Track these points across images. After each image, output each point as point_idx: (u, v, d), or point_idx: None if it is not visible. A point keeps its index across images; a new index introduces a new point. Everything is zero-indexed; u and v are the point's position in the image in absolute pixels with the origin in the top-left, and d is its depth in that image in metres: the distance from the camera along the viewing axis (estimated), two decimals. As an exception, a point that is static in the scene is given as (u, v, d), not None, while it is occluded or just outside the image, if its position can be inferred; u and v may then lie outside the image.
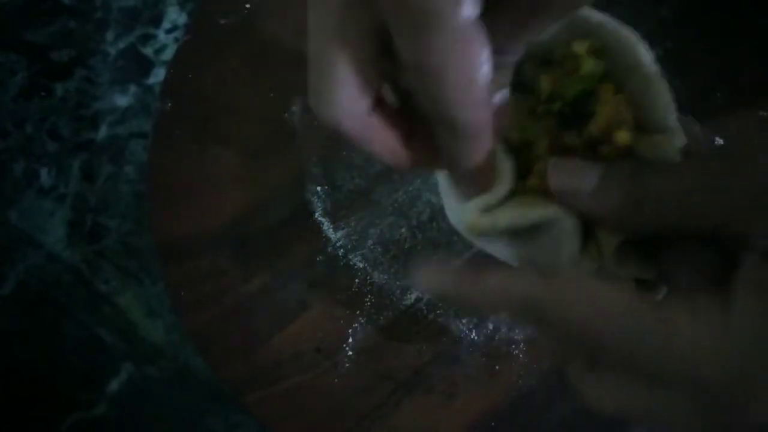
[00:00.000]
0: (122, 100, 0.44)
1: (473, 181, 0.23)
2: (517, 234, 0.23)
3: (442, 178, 0.27)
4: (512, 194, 0.23)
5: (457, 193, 0.25)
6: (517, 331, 0.34)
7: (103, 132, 0.44)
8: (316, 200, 0.37)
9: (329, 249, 0.36)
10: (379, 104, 0.20)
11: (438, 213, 0.36)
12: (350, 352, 0.35)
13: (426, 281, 0.22)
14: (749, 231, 0.19)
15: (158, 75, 0.44)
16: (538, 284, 0.20)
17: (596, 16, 0.23)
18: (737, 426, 0.19)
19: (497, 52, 0.18)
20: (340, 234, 0.36)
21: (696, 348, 0.18)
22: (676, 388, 0.19)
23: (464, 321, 0.35)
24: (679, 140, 0.21)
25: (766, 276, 0.18)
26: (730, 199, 0.19)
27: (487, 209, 0.23)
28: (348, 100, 0.19)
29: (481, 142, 0.19)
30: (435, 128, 0.19)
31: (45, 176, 0.44)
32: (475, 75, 0.17)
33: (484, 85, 0.18)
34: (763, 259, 0.18)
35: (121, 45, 0.45)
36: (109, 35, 0.45)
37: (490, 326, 0.34)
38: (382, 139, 0.20)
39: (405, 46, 0.17)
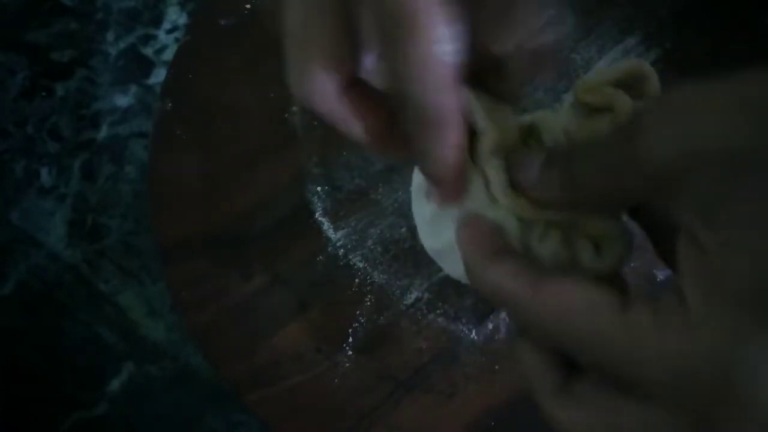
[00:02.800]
0: (123, 100, 0.44)
1: (448, 188, 0.22)
2: None
3: (414, 195, 0.26)
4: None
5: (432, 199, 0.24)
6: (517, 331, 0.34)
7: (103, 132, 0.44)
8: (316, 200, 0.37)
9: (329, 249, 0.36)
10: (359, 85, 0.20)
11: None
12: (350, 352, 0.35)
13: (465, 240, 0.21)
14: (672, 209, 0.17)
15: (158, 75, 0.44)
16: (526, 288, 0.19)
17: None
18: None
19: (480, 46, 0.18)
20: (340, 234, 0.36)
21: (664, 351, 0.16)
22: (654, 400, 0.17)
23: (464, 321, 0.35)
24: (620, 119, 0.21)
25: (700, 265, 0.16)
26: (632, 173, 0.17)
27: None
28: (319, 81, 0.19)
29: (445, 132, 0.19)
30: (398, 111, 0.19)
31: (45, 176, 0.44)
32: (435, 49, 0.17)
33: (446, 64, 0.17)
34: (691, 241, 0.17)
35: (122, 45, 0.45)
36: (110, 35, 0.45)
37: (490, 326, 0.35)
38: (355, 120, 0.21)
39: (370, 19, 0.17)
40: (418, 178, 0.33)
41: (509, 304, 0.19)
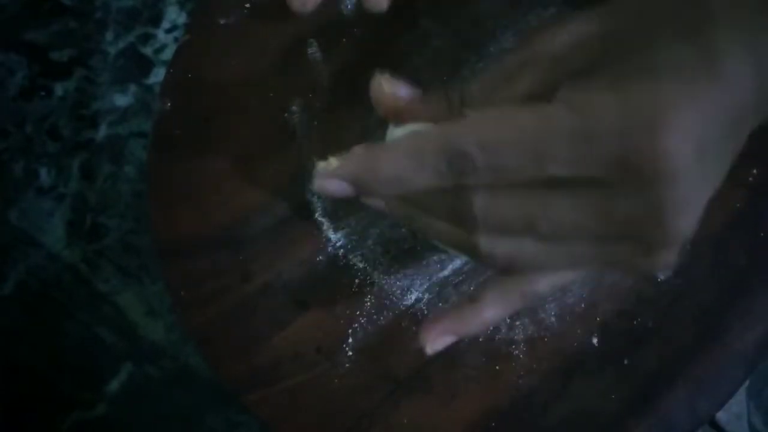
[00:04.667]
0: (122, 100, 0.44)
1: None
2: None
3: None
4: None
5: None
6: (517, 331, 0.34)
7: (102, 132, 0.44)
8: (316, 200, 0.37)
9: (329, 249, 0.36)
10: None
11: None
12: (350, 352, 0.35)
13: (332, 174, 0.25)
14: None
15: (158, 75, 0.44)
16: (454, 127, 0.22)
17: None
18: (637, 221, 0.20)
19: None
20: (340, 234, 0.36)
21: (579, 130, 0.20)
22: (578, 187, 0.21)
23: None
24: None
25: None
26: None
27: None
28: None
29: None
30: None
31: (45, 176, 0.44)
32: None
33: None
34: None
35: (121, 45, 0.45)
36: (109, 35, 0.45)
37: (490, 326, 0.35)
38: None
39: None
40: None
41: (446, 150, 0.22)
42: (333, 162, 0.25)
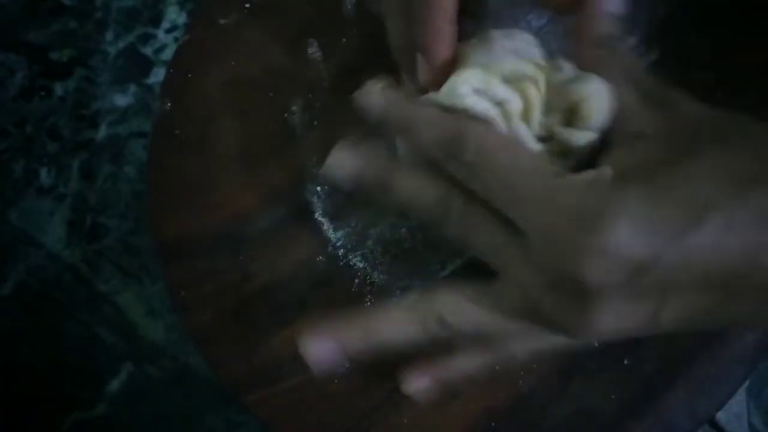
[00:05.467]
0: (122, 100, 0.44)
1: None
2: None
3: None
4: None
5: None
6: (517, 331, 0.34)
7: (102, 132, 0.44)
8: (316, 200, 0.37)
9: (329, 249, 0.36)
10: None
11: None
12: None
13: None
14: None
15: (158, 75, 0.44)
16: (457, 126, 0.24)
17: None
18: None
19: None
20: (340, 234, 0.36)
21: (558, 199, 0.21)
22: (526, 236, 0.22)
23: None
24: None
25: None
26: None
27: None
28: None
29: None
30: None
31: (45, 176, 0.44)
32: None
33: None
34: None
35: (121, 45, 0.45)
36: (109, 35, 0.45)
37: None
38: None
39: None
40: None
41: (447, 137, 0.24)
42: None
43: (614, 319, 0.21)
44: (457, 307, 0.24)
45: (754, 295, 0.19)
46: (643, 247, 0.19)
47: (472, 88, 0.24)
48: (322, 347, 0.25)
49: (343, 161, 0.27)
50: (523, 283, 0.22)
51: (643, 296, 0.20)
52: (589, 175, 0.21)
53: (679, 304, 0.20)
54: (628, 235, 0.19)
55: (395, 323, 0.25)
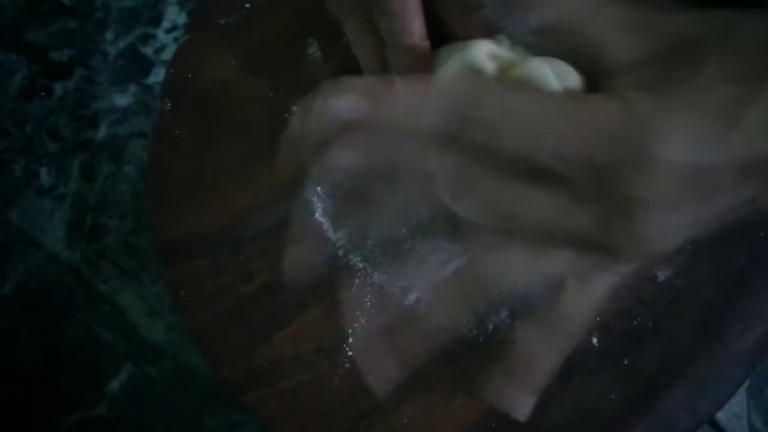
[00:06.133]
0: (122, 100, 0.44)
1: None
2: None
3: None
4: None
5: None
6: (517, 331, 0.34)
7: (102, 132, 0.44)
8: (316, 200, 0.37)
9: (329, 249, 0.36)
10: None
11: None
12: (350, 353, 0.35)
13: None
14: None
15: (158, 75, 0.44)
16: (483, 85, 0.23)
17: None
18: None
19: None
20: (340, 234, 0.36)
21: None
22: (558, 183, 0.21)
23: (464, 321, 0.35)
24: None
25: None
26: None
27: None
28: None
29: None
30: None
31: (45, 176, 0.44)
32: None
33: None
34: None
35: (121, 45, 0.45)
36: (109, 35, 0.45)
37: (490, 326, 0.34)
38: None
39: None
40: None
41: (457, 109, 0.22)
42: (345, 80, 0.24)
43: (662, 229, 0.21)
44: (494, 269, 0.24)
45: None
46: (692, 151, 0.19)
47: (487, 52, 0.25)
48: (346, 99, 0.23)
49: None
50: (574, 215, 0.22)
51: (693, 201, 0.20)
52: (614, 94, 0.21)
53: (722, 202, 0.21)
54: (676, 140, 0.19)
55: (411, 102, 0.23)
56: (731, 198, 0.21)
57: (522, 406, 0.29)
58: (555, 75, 0.24)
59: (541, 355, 0.28)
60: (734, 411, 0.38)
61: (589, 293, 0.27)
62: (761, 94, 0.19)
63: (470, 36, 0.27)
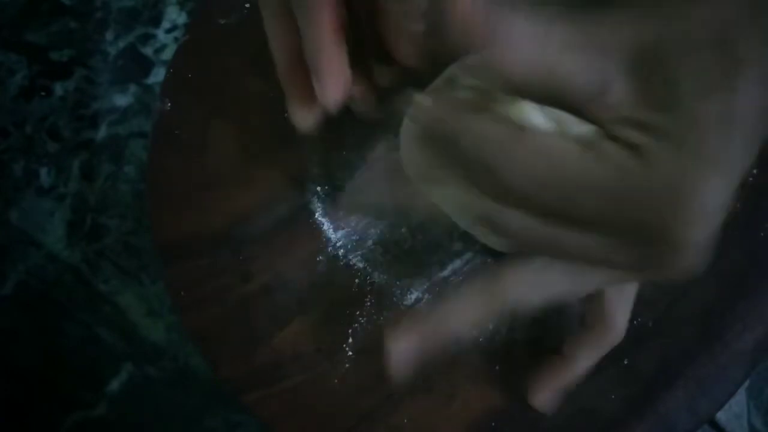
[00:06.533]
0: (122, 100, 0.44)
1: None
2: None
3: None
4: None
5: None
6: (517, 331, 0.34)
7: (102, 132, 0.44)
8: (316, 200, 0.37)
9: (329, 249, 0.36)
10: None
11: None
12: (350, 352, 0.35)
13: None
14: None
15: (158, 75, 0.44)
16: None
17: None
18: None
19: None
20: (340, 234, 0.36)
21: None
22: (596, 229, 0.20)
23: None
24: None
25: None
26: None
27: None
28: None
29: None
30: None
31: (45, 176, 0.44)
32: None
33: None
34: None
35: (121, 45, 0.45)
36: (109, 35, 0.45)
37: (491, 326, 0.35)
38: None
39: None
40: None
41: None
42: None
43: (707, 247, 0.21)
44: (526, 284, 0.23)
45: None
46: (722, 190, 0.19)
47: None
48: (403, 355, 0.25)
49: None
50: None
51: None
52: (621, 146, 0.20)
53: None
54: (704, 194, 0.19)
55: (464, 314, 0.24)
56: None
57: (542, 397, 0.30)
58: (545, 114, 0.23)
59: (579, 357, 0.29)
60: (734, 411, 0.38)
61: (626, 297, 0.27)
62: (735, 92, 0.19)
63: (408, 64, 0.26)
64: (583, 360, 0.29)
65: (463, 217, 0.26)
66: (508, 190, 0.21)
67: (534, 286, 0.23)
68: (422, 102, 0.23)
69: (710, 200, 0.19)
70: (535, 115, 0.22)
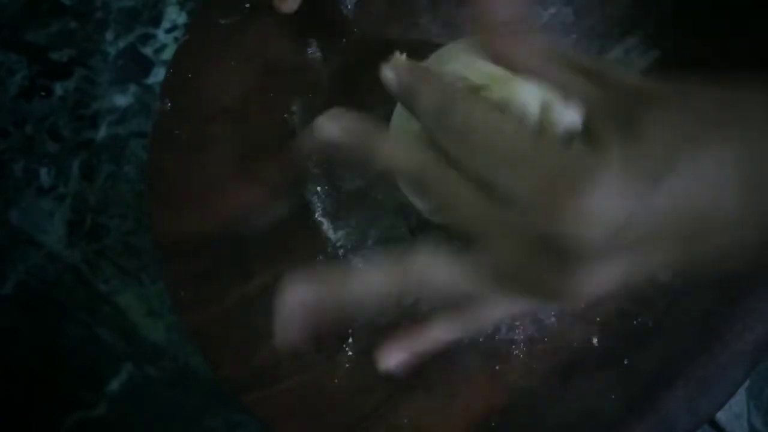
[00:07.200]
0: (122, 100, 0.44)
1: None
2: None
3: None
4: None
5: None
6: (517, 331, 0.34)
7: (102, 132, 0.44)
8: (316, 200, 0.37)
9: (329, 249, 0.36)
10: None
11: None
12: (350, 352, 0.35)
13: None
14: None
15: (158, 75, 0.44)
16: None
17: None
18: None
19: None
20: (340, 234, 0.36)
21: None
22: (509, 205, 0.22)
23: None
24: None
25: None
26: None
27: None
28: None
29: None
30: None
31: (45, 176, 0.44)
32: None
33: None
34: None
35: (121, 45, 0.45)
36: (109, 35, 0.45)
37: (490, 327, 0.35)
38: None
39: None
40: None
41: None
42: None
43: (594, 279, 0.22)
44: (434, 270, 0.24)
45: (719, 237, 0.21)
46: (620, 209, 0.20)
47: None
48: (297, 301, 0.26)
49: (332, 123, 0.27)
50: (503, 250, 0.23)
51: (621, 254, 0.21)
52: (564, 138, 0.22)
53: (653, 257, 0.21)
54: (607, 196, 0.20)
55: (371, 285, 0.25)
56: (660, 255, 0.21)
57: (388, 357, 0.28)
58: (539, 103, 0.26)
59: (439, 328, 0.28)
60: (734, 411, 0.38)
61: (509, 304, 0.27)
62: (686, 161, 0.20)
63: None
64: (442, 332, 0.28)
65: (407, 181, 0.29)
66: (446, 150, 0.24)
67: (439, 275, 0.24)
68: (398, 57, 0.26)
69: (603, 210, 0.20)
70: (522, 95, 0.26)
